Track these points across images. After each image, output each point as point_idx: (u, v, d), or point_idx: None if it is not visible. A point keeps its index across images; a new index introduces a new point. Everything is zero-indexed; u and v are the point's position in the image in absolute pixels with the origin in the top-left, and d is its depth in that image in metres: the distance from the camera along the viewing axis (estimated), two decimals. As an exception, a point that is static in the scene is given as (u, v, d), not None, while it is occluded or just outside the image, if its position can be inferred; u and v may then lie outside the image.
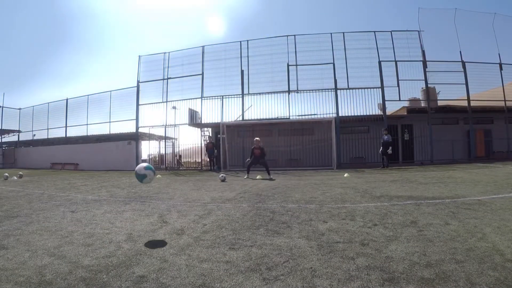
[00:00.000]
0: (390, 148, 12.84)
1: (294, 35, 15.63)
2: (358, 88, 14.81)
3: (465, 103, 15.01)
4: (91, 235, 3.34)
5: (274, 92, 15.54)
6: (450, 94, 15.19)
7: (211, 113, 16.12)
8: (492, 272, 2.08)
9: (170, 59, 17.32)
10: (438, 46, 17.29)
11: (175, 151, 18.01)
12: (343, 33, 15.34)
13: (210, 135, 17.03)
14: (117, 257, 2.61)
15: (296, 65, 15.46)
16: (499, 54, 15.48)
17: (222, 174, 9.60)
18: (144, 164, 3.76)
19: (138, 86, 17.57)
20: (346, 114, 14.85)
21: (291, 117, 15.25)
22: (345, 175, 9.79)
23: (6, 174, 11.83)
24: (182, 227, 3.59)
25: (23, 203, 5.63)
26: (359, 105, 14.69)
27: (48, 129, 22.46)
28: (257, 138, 10.24)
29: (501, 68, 15.37)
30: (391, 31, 15.16)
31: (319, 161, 14.79)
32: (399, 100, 14.89)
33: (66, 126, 21.22)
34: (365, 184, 7.23)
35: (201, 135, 17.30)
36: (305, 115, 15.22)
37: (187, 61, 16.95)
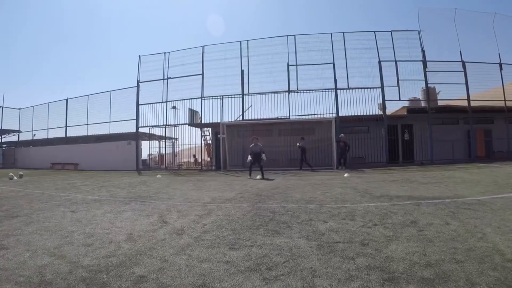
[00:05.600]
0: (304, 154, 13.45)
1: (294, 35, 15.64)
2: (358, 88, 14.80)
3: (465, 103, 14.99)
4: (91, 235, 3.34)
5: (274, 92, 15.53)
6: (450, 94, 15.19)
7: (211, 113, 16.12)
8: (492, 272, 2.08)
9: (170, 59, 17.31)
10: (438, 46, 17.24)
11: (175, 150, 18.00)
12: (343, 33, 15.34)
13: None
14: (117, 257, 2.61)
15: (296, 65, 15.45)
16: (499, 54, 15.48)
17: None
18: None
19: (138, 86, 17.57)
20: (346, 114, 14.85)
21: (291, 117, 15.23)
22: (345, 175, 9.78)
23: (11, 174, 11.89)
24: (182, 227, 3.59)
25: (23, 203, 5.63)
26: (359, 105, 14.70)
27: (48, 129, 22.46)
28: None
29: (501, 68, 15.35)
30: (391, 31, 15.17)
31: (319, 161, 14.78)
32: (399, 100, 14.91)
33: (66, 126, 21.22)
34: (365, 184, 7.23)
35: (201, 135, 17.30)
36: (305, 115, 15.21)
37: (187, 61, 16.95)
